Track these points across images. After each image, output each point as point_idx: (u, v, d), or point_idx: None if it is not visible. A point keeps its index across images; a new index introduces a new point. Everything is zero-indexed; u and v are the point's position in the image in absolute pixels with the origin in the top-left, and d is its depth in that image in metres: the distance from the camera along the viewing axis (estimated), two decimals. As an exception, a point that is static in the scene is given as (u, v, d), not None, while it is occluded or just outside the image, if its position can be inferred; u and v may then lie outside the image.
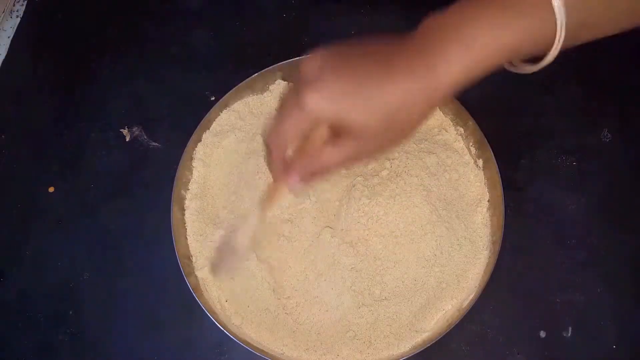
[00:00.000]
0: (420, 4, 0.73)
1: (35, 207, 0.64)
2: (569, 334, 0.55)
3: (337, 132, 0.36)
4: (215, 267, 0.53)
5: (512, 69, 0.39)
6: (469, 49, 0.34)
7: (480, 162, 0.59)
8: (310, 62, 0.37)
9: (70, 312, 0.59)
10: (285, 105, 0.38)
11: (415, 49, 0.35)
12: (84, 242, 0.62)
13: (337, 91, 0.34)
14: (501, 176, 0.55)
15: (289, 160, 0.40)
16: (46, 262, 0.62)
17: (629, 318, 0.56)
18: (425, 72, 0.34)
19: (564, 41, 0.35)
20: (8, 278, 0.61)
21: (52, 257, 0.62)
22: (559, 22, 0.34)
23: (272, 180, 0.47)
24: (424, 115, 0.36)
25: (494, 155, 0.56)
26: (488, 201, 0.58)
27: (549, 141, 0.64)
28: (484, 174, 0.59)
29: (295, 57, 0.63)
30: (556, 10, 0.33)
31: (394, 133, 0.36)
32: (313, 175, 0.39)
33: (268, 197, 0.46)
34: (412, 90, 0.34)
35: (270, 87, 0.64)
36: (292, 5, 0.75)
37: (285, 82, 0.64)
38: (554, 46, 0.35)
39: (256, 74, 0.62)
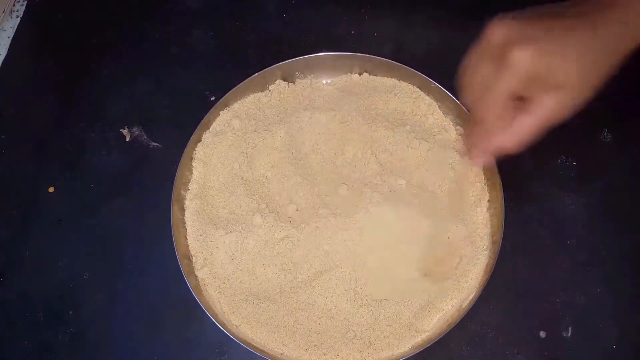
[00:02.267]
0: (420, 3, 0.73)
1: (35, 207, 0.64)
2: (569, 334, 0.55)
3: (530, 95, 0.36)
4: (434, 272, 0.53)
5: None
6: None
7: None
8: (499, 27, 0.36)
9: (70, 312, 0.59)
10: (480, 72, 0.37)
11: (603, 8, 0.36)
12: (84, 242, 0.62)
13: (547, 46, 0.34)
14: (501, 176, 0.55)
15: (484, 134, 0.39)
16: (46, 262, 0.62)
17: (629, 318, 0.56)
18: (619, 25, 0.35)
19: None
20: (8, 278, 0.61)
21: (52, 257, 0.62)
22: None
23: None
24: (624, 55, 0.37)
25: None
26: (488, 201, 0.58)
27: (549, 141, 0.64)
28: (484, 174, 0.59)
29: (295, 57, 0.63)
30: None
31: (594, 81, 0.37)
32: (511, 149, 0.39)
33: (464, 180, 0.48)
34: (610, 42, 0.36)
35: (270, 87, 0.64)
36: (292, 5, 0.75)
37: (285, 82, 0.64)
38: None
39: (256, 74, 0.62)
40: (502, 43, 0.36)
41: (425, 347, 0.50)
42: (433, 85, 0.61)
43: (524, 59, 0.34)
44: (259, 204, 0.58)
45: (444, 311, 0.53)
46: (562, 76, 0.35)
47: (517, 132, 0.38)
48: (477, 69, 0.38)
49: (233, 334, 0.51)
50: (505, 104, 0.36)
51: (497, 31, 0.36)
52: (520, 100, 0.37)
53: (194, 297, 0.52)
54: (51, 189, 0.65)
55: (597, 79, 0.37)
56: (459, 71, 0.40)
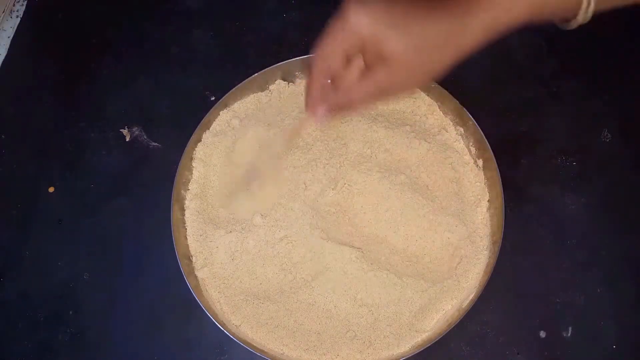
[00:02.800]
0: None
1: (35, 207, 0.64)
2: (569, 334, 0.55)
3: (369, 66, 0.38)
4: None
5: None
6: (498, 5, 0.36)
7: (480, 162, 0.59)
8: None
9: (70, 312, 0.59)
10: (328, 32, 0.39)
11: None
12: (84, 242, 0.62)
13: (381, 12, 0.36)
14: (501, 176, 0.55)
15: (323, 90, 0.40)
16: (46, 262, 0.62)
17: (629, 318, 0.56)
18: (463, 19, 0.36)
19: (595, 6, 0.37)
20: (8, 278, 0.61)
21: (52, 257, 0.62)
22: None
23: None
24: (454, 57, 0.38)
25: (494, 155, 0.56)
26: (488, 201, 0.58)
27: (549, 141, 0.64)
28: (484, 174, 0.59)
29: (295, 57, 0.63)
30: None
31: (425, 67, 0.37)
32: (341, 107, 0.40)
33: (296, 129, 0.49)
34: (450, 31, 0.36)
35: (270, 87, 0.64)
36: (292, 5, 0.75)
37: (285, 82, 0.64)
38: (582, 11, 0.37)
39: (256, 74, 0.62)
40: (346, 8, 0.37)
41: (425, 347, 0.50)
42: (433, 85, 0.61)
43: (355, 17, 0.36)
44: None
45: (444, 311, 0.53)
46: (390, 47, 0.36)
47: (348, 93, 0.39)
48: (328, 33, 0.39)
49: (233, 334, 0.51)
50: (330, 61, 0.38)
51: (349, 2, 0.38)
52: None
53: (194, 297, 0.52)
54: (51, 189, 0.65)
55: (430, 64, 0.37)
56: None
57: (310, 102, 0.42)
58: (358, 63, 0.38)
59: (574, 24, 0.39)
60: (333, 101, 0.40)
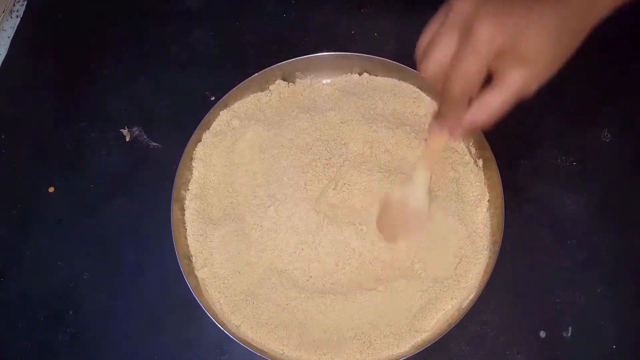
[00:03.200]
0: (421, 3, 0.73)
1: (35, 207, 0.64)
2: (569, 334, 0.55)
3: (500, 72, 0.36)
4: (389, 232, 0.54)
5: None
6: None
7: (480, 162, 0.59)
8: (463, 1, 0.36)
9: (70, 312, 0.59)
10: (441, 48, 0.37)
11: None
12: (84, 242, 0.62)
13: (512, 19, 0.34)
14: (501, 176, 0.55)
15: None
16: (46, 262, 0.62)
17: (629, 318, 0.56)
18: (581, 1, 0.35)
19: None
20: (8, 278, 0.61)
21: (52, 257, 0.62)
22: None
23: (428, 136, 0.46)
24: (589, 29, 0.37)
25: (494, 155, 0.56)
26: (488, 201, 0.58)
27: (549, 141, 0.64)
28: (484, 174, 0.59)
29: (295, 57, 0.63)
30: None
31: (562, 53, 0.37)
32: (480, 124, 0.38)
33: (431, 153, 0.47)
34: (577, 12, 0.35)
35: (270, 87, 0.64)
36: (292, 5, 0.75)
37: (285, 82, 0.64)
38: None
39: (256, 74, 0.62)
40: (465, 17, 0.35)
41: (425, 347, 0.50)
42: (433, 85, 0.60)
43: (487, 34, 0.34)
44: (259, 205, 0.58)
45: (444, 311, 0.53)
46: (527, 51, 0.34)
47: (485, 108, 0.37)
48: (439, 42, 0.37)
49: (233, 334, 0.51)
50: (472, 81, 0.36)
51: (461, 4, 0.36)
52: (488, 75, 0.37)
53: (194, 297, 0.52)
54: (51, 189, 0.65)
55: (561, 53, 0.36)
56: (417, 43, 0.40)
57: (447, 126, 0.40)
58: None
59: None
60: (470, 121, 0.38)
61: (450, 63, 0.36)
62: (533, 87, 0.37)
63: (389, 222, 0.54)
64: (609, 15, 0.37)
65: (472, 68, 0.35)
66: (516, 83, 0.36)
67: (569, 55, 0.37)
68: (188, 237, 0.58)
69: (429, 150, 0.47)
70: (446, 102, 0.39)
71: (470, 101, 0.38)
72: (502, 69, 0.36)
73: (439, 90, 0.38)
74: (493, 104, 0.37)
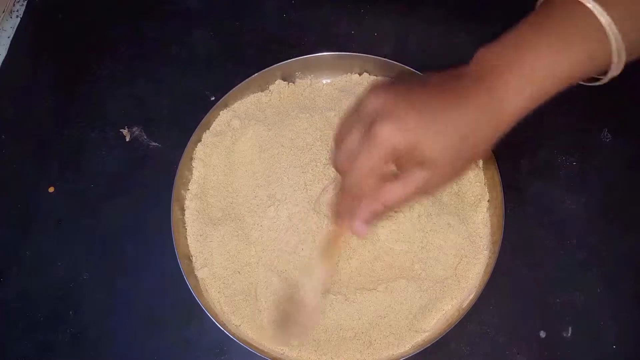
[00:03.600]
0: (420, 3, 0.73)
1: (35, 207, 0.64)
2: (569, 334, 0.55)
3: (401, 167, 0.37)
4: (283, 331, 0.51)
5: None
6: (530, 80, 0.35)
7: (480, 162, 0.59)
8: (373, 99, 0.37)
9: (70, 312, 0.59)
10: (350, 142, 0.37)
11: (478, 82, 0.36)
12: (84, 242, 0.62)
13: (411, 122, 0.35)
14: (501, 176, 0.55)
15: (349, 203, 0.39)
16: (46, 262, 0.62)
17: (629, 318, 0.56)
18: (491, 103, 0.35)
19: (626, 58, 0.36)
20: (8, 278, 0.61)
21: (52, 257, 0.62)
22: (614, 47, 0.35)
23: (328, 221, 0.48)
24: (491, 142, 0.37)
25: (494, 155, 0.56)
26: (488, 201, 0.58)
27: (549, 141, 0.64)
28: (484, 174, 0.59)
29: (295, 57, 0.63)
30: (610, 35, 0.34)
31: (463, 161, 0.37)
32: (378, 215, 0.39)
33: (332, 245, 0.45)
34: (481, 119, 0.36)
35: (270, 87, 0.65)
36: (292, 5, 0.75)
37: (285, 82, 0.64)
38: (613, 66, 0.37)
39: (256, 74, 0.62)
40: (370, 114, 0.36)
41: (425, 347, 0.50)
42: (433, 85, 0.60)
43: (387, 134, 0.34)
44: (259, 205, 0.58)
45: (444, 311, 0.53)
46: (424, 153, 0.35)
47: (382, 196, 0.38)
48: (347, 134, 0.38)
49: (233, 334, 0.51)
50: (365, 176, 0.36)
51: (369, 100, 0.37)
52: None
53: (194, 297, 0.52)
54: (51, 189, 0.65)
55: (462, 159, 0.37)
56: (334, 135, 0.41)
57: (345, 217, 0.41)
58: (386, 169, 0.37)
59: (605, 80, 0.39)
60: (367, 210, 0.39)
61: (352, 156, 0.37)
62: (433, 187, 0.38)
63: (284, 320, 0.52)
64: (514, 125, 0.37)
65: (365, 165, 0.36)
66: (415, 181, 0.36)
67: (472, 160, 0.38)
68: (188, 237, 0.58)
69: (330, 243, 0.46)
70: (342, 194, 0.40)
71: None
72: (404, 167, 0.37)
73: (342, 183, 0.39)
74: (390, 195, 0.37)
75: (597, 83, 0.39)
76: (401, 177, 0.37)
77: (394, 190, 0.37)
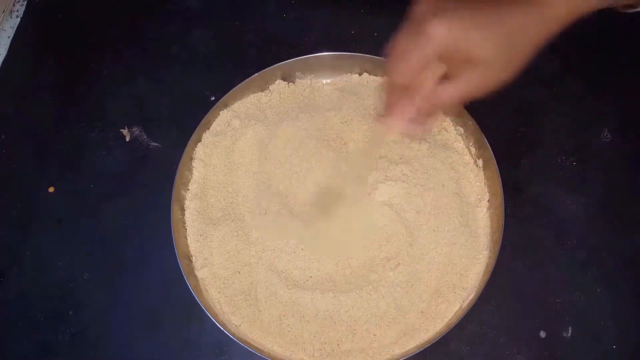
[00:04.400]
0: (420, 4, 0.73)
1: (35, 207, 0.64)
2: (569, 334, 0.55)
3: (452, 68, 0.38)
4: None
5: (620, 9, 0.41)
6: None
7: (480, 162, 0.59)
8: (423, 2, 0.38)
9: (70, 312, 0.59)
10: (403, 43, 0.39)
11: None
12: (84, 242, 0.62)
13: (461, 19, 0.36)
14: (501, 176, 0.55)
15: (405, 99, 0.40)
16: (46, 262, 0.62)
17: (629, 318, 0.56)
18: (540, 5, 0.37)
19: None
20: (8, 278, 0.61)
21: (52, 257, 0.62)
22: None
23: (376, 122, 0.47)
24: (540, 42, 0.38)
25: (494, 155, 0.56)
26: (488, 201, 0.58)
27: (549, 141, 0.64)
28: (484, 174, 0.59)
29: (295, 57, 0.63)
30: None
31: (512, 61, 0.38)
32: (428, 114, 0.41)
33: (378, 135, 0.47)
34: (530, 20, 0.37)
35: (270, 87, 0.65)
36: (292, 5, 0.75)
37: (285, 82, 0.64)
38: None
39: (256, 74, 0.62)
40: (420, 15, 0.38)
41: (425, 347, 0.50)
42: (433, 85, 0.60)
43: (439, 30, 0.36)
44: (259, 204, 0.58)
45: (444, 311, 0.53)
46: (478, 51, 0.36)
47: (435, 97, 0.39)
48: (400, 42, 0.39)
49: (233, 334, 0.51)
50: (420, 69, 0.38)
51: (420, 6, 0.38)
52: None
53: (194, 297, 0.52)
54: (51, 189, 0.65)
55: (514, 59, 0.38)
56: (388, 48, 0.41)
57: (396, 116, 0.41)
58: (432, 72, 0.38)
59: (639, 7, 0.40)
60: (421, 109, 0.40)
61: (400, 56, 0.39)
62: (484, 88, 0.39)
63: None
64: (564, 28, 0.38)
65: (416, 58, 0.37)
66: (466, 82, 0.38)
67: (522, 62, 0.38)
68: (188, 237, 0.58)
69: (376, 138, 0.48)
70: (395, 93, 0.41)
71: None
72: (456, 69, 0.38)
73: (392, 80, 0.41)
74: (442, 94, 0.39)
75: (634, 10, 0.41)
76: (453, 78, 0.38)
77: (446, 90, 0.39)
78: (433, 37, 0.36)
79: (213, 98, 0.68)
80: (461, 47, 0.36)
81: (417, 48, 0.37)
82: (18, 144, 0.69)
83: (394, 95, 0.41)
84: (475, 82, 0.38)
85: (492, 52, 0.36)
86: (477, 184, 0.59)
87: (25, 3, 0.78)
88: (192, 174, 0.60)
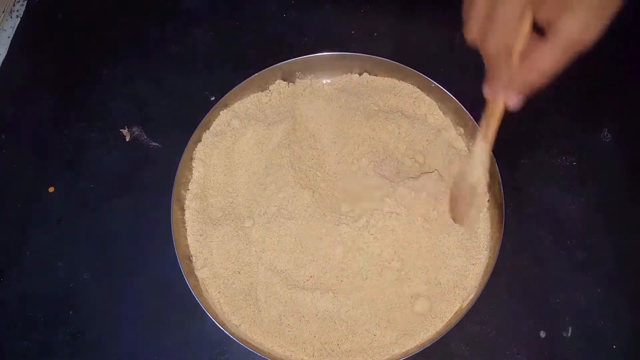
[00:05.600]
0: (420, 3, 0.73)
1: (35, 207, 0.64)
2: (569, 334, 0.55)
3: (547, 25, 0.33)
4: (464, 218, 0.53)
5: None
6: None
7: (480, 162, 0.59)
8: None
9: (70, 312, 0.59)
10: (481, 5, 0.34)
11: None
12: (84, 242, 0.62)
13: None
14: (501, 176, 0.55)
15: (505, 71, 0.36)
16: (46, 262, 0.62)
17: (629, 318, 0.56)
18: None
19: None
20: (8, 278, 0.61)
21: (52, 257, 0.62)
22: None
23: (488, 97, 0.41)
24: None
25: (494, 155, 0.56)
26: (488, 201, 0.58)
27: (549, 141, 0.64)
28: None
29: (295, 57, 0.63)
30: None
31: (605, 3, 0.32)
32: (533, 85, 0.36)
33: (490, 117, 0.42)
34: None
35: (270, 87, 0.65)
36: (292, 5, 0.75)
37: (285, 82, 0.64)
38: None
39: (256, 74, 0.62)
40: None
41: (425, 347, 0.50)
42: (433, 85, 0.61)
43: None
44: (259, 204, 0.58)
45: (444, 311, 0.53)
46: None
47: (538, 65, 0.34)
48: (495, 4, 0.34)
49: (233, 334, 0.51)
50: (509, 28, 0.33)
51: None
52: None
53: (194, 297, 0.52)
54: (51, 189, 0.65)
55: (604, 3, 0.32)
56: (464, 3, 0.37)
57: (501, 89, 0.37)
58: (523, 39, 0.33)
59: None
60: (524, 79, 0.35)
61: (491, 14, 0.33)
62: (588, 35, 0.33)
63: (453, 204, 0.53)
64: None
65: (508, 14, 0.32)
66: (567, 32, 0.32)
67: (618, 3, 0.33)
68: (188, 237, 0.58)
69: (487, 119, 0.43)
70: (490, 60, 0.36)
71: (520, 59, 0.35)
72: (551, 19, 0.33)
73: (486, 51, 0.35)
74: (546, 60, 0.34)
75: None
76: (550, 35, 0.33)
77: (544, 51, 0.33)
78: None
79: (213, 98, 0.68)
80: None
81: (505, 3, 0.32)
82: (18, 144, 0.69)
83: (493, 68, 0.36)
84: (578, 29, 0.32)
85: None
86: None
87: (25, 3, 0.78)
88: (192, 174, 0.60)
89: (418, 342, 0.52)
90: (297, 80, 0.65)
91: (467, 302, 0.53)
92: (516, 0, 0.32)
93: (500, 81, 0.37)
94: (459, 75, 0.65)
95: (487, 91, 0.39)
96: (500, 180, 0.55)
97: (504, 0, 0.32)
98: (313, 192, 0.57)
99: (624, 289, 0.57)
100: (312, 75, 0.65)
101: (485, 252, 0.55)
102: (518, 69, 0.35)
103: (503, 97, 0.38)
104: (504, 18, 0.33)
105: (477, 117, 0.58)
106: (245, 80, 0.62)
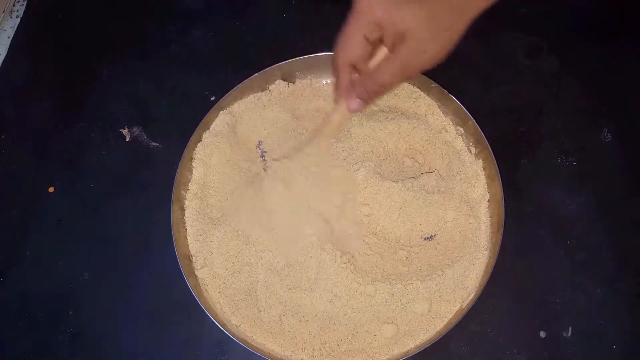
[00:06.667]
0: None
1: (35, 207, 0.64)
2: (569, 334, 0.55)
3: (391, 48, 0.40)
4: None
5: None
6: None
7: (480, 162, 0.59)
8: None
9: (70, 312, 0.59)
10: (345, 26, 0.41)
11: None
12: (84, 242, 0.62)
13: None
14: (501, 176, 0.55)
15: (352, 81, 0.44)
16: (46, 262, 0.62)
17: (629, 318, 0.56)
18: None
19: None
20: (8, 278, 0.61)
21: (52, 257, 0.62)
22: None
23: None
24: (470, 17, 0.39)
25: (494, 155, 0.56)
26: (488, 201, 0.58)
27: (549, 141, 0.64)
28: (484, 174, 0.59)
29: (295, 57, 0.63)
30: None
31: (445, 33, 0.39)
32: (373, 94, 0.44)
33: (332, 121, 0.50)
34: None
35: (270, 87, 0.64)
36: (292, 5, 0.75)
37: (285, 82, 0.64)
38: None
39: (256, 74, 0.62)
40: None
41: (425, 347, 0.50)
42: (433, 85, 0.61)
43: (364, 5, 0.38)
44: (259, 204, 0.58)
45: (444, 311, 0.53)
46: (406, 22, 0.37)
47: (373, 77, 0.41)
48: (345, 25, 0.42)
49: (233, 334, 0.51)
50: (353, 41, 0.41)
51: None
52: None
53: (194, 297, 0.52)
54: (51, 189, 0.65)
55: (443, 32, 0.39)
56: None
57: (342, 95, 0.44)
58: (381, 50, 0.41)
59: None
60: (363, 89, 0.43)
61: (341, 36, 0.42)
62: (420, 62, 0.40)
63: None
64: (491, 4, 0.39)
65: (348, 32, 0.41)
66: (401, 57, 0.39)
67: (454, 36, 0.39)
68: (188, 237, 0.58)
69: (330, 121, 0.51)
70: (339, 73, 0.44)
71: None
72: (389, 44, 0.40)
73: (335, 62, 0.44)
74: (382, 75, 0.41)
75: None
76: (389, 56, 0.41)
77: (383, 67, 0.41)
78: (362, 9, 0.38)
79: (213, 98, 0.68)
80: (392, 19, 0.38)
81: (350, 23, 0.40)
82: (18, 144, 0.69)
83: (343, 78, 0.44)
84: (409, 56, 0.39)
85: (421, 23, 0.37)
86: (478, 183, 0.58)
87: (25, 3, 0.78)
88: (192, 174, 0.60)
89: (418, 342, 0.52)
90: (297, 80, 0.65)
91: (467, 302, 0.53)
92: (355, 19, 0.40)
93: (344, 88, 0.45)
94: (459, 75, 0.65)
95: (336, 94, 0.48)
96: (500, 180, 0.55)
97: (348, 20, 0.40)
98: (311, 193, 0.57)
99: (624, 289, 0.57)
100: (312, 75, 0.65)
101: (485, 252, 0.55)
102: (359, 80, 0.43)
103: (345, 100, 0.46)
104: (344, 33, 0.41)
105: (477, 117, 0.58)
106: (245, 80, 0.62)
